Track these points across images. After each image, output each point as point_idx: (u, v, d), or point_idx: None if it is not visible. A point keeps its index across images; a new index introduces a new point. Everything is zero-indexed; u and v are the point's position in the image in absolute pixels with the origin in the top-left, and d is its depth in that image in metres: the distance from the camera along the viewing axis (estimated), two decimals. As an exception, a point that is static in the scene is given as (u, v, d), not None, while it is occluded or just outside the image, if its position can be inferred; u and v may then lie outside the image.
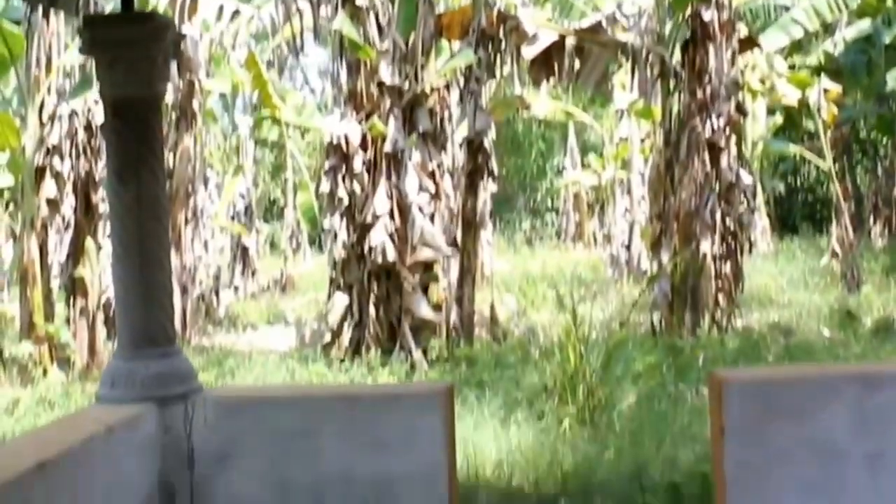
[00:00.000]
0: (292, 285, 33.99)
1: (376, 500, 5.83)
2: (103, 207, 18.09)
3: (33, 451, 4.99)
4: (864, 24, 24.53)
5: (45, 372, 16.98)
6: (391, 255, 16.16)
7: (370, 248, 16.29)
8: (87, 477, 5.23)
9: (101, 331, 18.06)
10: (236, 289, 32.20)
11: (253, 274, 33.44)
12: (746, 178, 18.55)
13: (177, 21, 15.23)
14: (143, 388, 6.15)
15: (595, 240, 43.17)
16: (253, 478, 6.11)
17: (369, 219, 16.39)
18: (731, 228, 18.36)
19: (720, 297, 18.18)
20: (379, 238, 16.21)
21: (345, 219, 16.76)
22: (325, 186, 17.01)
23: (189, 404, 6.17)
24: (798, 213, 46.65)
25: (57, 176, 17.87)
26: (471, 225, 17.93)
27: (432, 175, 16.77)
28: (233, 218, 32.88)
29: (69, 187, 18.15)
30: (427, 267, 16.67)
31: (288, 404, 6.41)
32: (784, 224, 43.23)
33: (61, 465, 4.96)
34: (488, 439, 9.55)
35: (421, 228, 16.26)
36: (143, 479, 5.92)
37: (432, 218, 16.62)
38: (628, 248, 31.32)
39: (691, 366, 13.47)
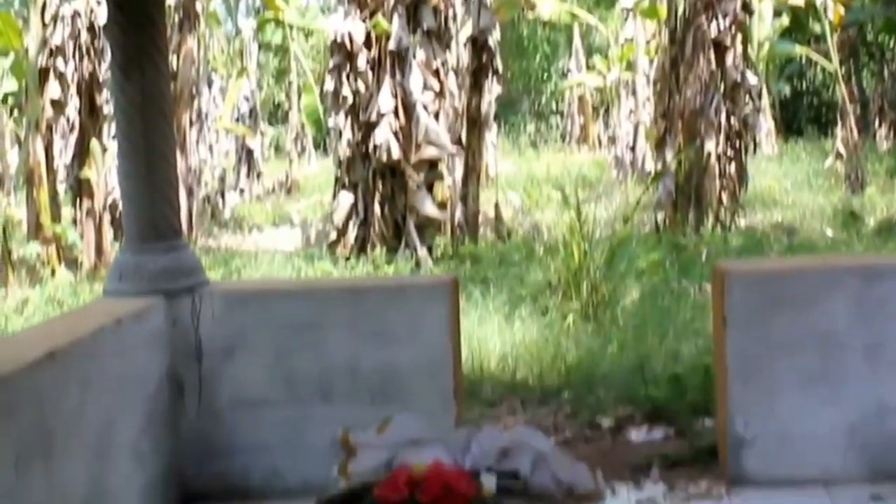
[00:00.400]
0: (297, 188, 34.03)
1: (382, 390, 5.88)
2: (107, 109, 18.08)
3: (43, 342, 5.04)
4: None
5: (53, 272, 17.09)
6: (396, 154, 16.16)
7: (375, 147, 16.28)
8: (97, 367, 5.28)
9: (107, 232, 18.16)
10: (241, 191, 32.25)
11: (258, 177, 33.47)
12: (752, 79, 18.49)
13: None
14: (151, 281, 6.19)
15: (600, 142, 43.10)
16: (260, 369, 6.18)
17: (374, 117, 16.37)
18: (736, 128, 18.34)
19: (724, 196, 18.21)
20: (383, 136, 16.21)
21: (349, 117, 16.75)
22: (330, 85, 16.98)
23: (196, 297, 6.22)
24: (803, 116, 46.48)
25: (61, 77, 17.84)
26: (475, 124, 17.90)
27: (437, 73, 16.71)
28: (237, 121, 32.80)
29: (73, 89, 18.14)
30: (432, 165, 16.68)
31: (294, 297, 6.46)
32: (789, 127, 43.10)
33: (71, 354, 5.01)
34: (492, 334, 9.64)
35: (425, 127, 16.25)
36: (153, 370, 5.99)
37: (437, 116, 16.59)
38: (633, 149, 31.30)
39: (694, 263, 13.54)
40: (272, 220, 25.91)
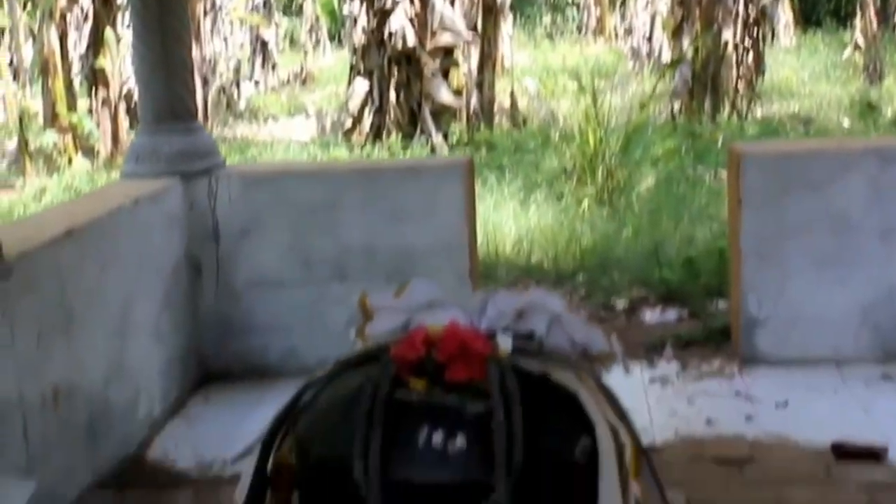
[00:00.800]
0: (312, 79, 33.87)
1: (397, 270, 5.92)
2: (121, -2, 17.96)
3: (62, 221, 5.09)
4: None
5: (70, 161, 17.12)
6: (411, 41, 16.06)
7: (390, 34, 16.18)
8: (115, 246, 5.33)
9: (123, 121, 18.15)
10: (256, 83, 32.11)
11: (273, 68, 33.29)
12: (770, -33, 18.28)
13: None
14: (167, 163, 6.21)
15: (616, 34, 42.66)
16: (277, 250, 6.23)
17: (389, 4, 16.24)
18: (754, 17, 18.15)
19: (740, 85, 18.11)
20: (399, 23, 16.09)
21: (364, 4, 16.62)
22: (345, -29, 16.85)
23: (213, 179, 6.24)
24: (822, 9, 45.86)
25: (73, -34, 17.73)
26: (491, 11, 17.76)
27: (452, -41, 16.56)
28: (252, 11, 32.57)
29: (86, -24, 18.01)
30: (447, 52, 16.59)
31: (310, 178, 6.49)
32: (808, 19, 42.55)
33: (89, 233, 5.06)
34: (508, 218, 9.67)
35: (441, 13, 16.12)
36: (170, 252, 6.04)
37: (452, 3, 16.46)
38: (649, 40, 31.04)
39: (710, 150, 13.51)
40: (287, 110, 25.84)
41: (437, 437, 2.36)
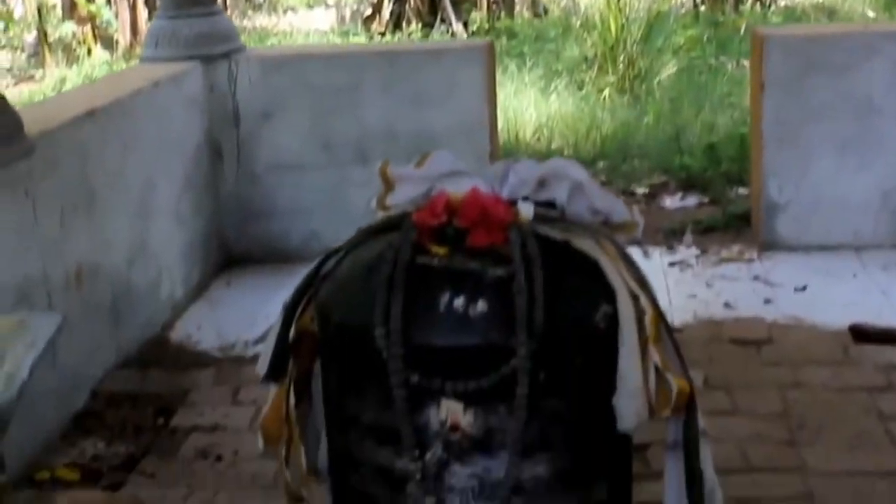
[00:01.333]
0: (332, -31, 33.50)
1: (418, 152, 5.86)
2: None
3: (84, 101, 5.10)
4: None
5: (89, 52, 17.05)
6: (432, -73, 15.92)
7: (410, -81, 16.03)
8: (136, 127, 5.34)
9: (142, 11, 18.01)
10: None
11: (292, -43, 32.92)
12: None
13: None
14: (187, 46, 6.19)
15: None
16: (297, 133, 6.22)
17: None
18: None
19: (764, -26, 17.87)
20: None
21: None
22: None
23: (233, 63, 6.22)
24: None
25: None
26: None
27: None
28: None
29: None
30: (468, -61, 16.44)
31: (330, 61, 6.45)
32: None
33: (110, 113, 5.07)
34: (528, 106, 9.61)
35: None
36: (191, 134, 6.04)
37: None
38: (674, -73, 30.60)
39: (732, 39, 13.37)
40: (306, 1, 25.63)
41: (459, 302, 2.37)
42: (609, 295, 2.47)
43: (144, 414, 4.58)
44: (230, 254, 6.35)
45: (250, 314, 5.42)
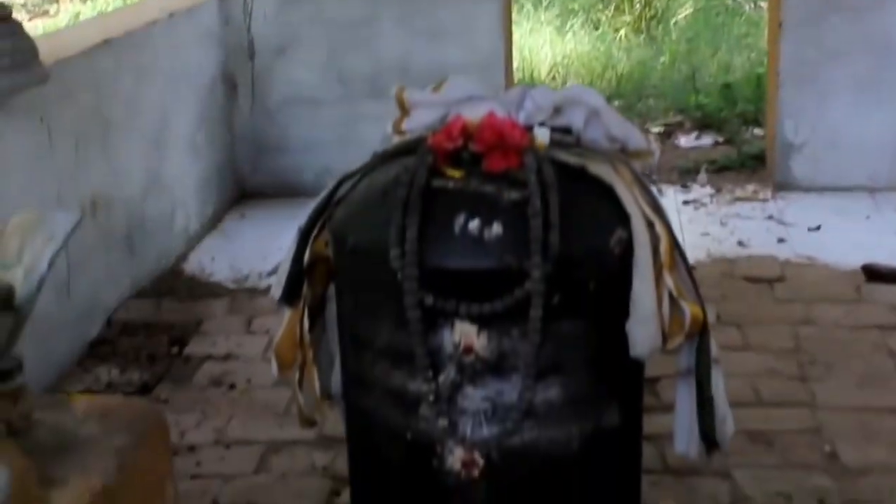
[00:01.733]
0: None
1: (432, 88, 5.89)
2: None
3: (99, 31, 5.09)
4: None
5: (103, -13, 16.96)
6: None
7: None
8: (151, 57, 5.34)
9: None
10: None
11: None
12: None
13: None
14: (202, -21, 6.18)
15: None
16: (312, 68, 6.21)
17: None
18: None
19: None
20: None
21: None
22: None
23: (248, -4, 6.21)
24: None
25: None
26: None
27: None
28: None
29: None
30: None
31: (346, -4, 6.43)
32: None
33: (125, 43, 5.06)
34: (544, 44, 9.55)
35: None
36: (206, 67, 6.03)
37: None
38: None
39: (751, -20, 13.24)
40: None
41: (474, 225, 2.37)
42: (624, 220, 2.47)
43: (159, 343, 4.61)
44: (244, 187, 6.36)
45: (263, 247, 5.44)
